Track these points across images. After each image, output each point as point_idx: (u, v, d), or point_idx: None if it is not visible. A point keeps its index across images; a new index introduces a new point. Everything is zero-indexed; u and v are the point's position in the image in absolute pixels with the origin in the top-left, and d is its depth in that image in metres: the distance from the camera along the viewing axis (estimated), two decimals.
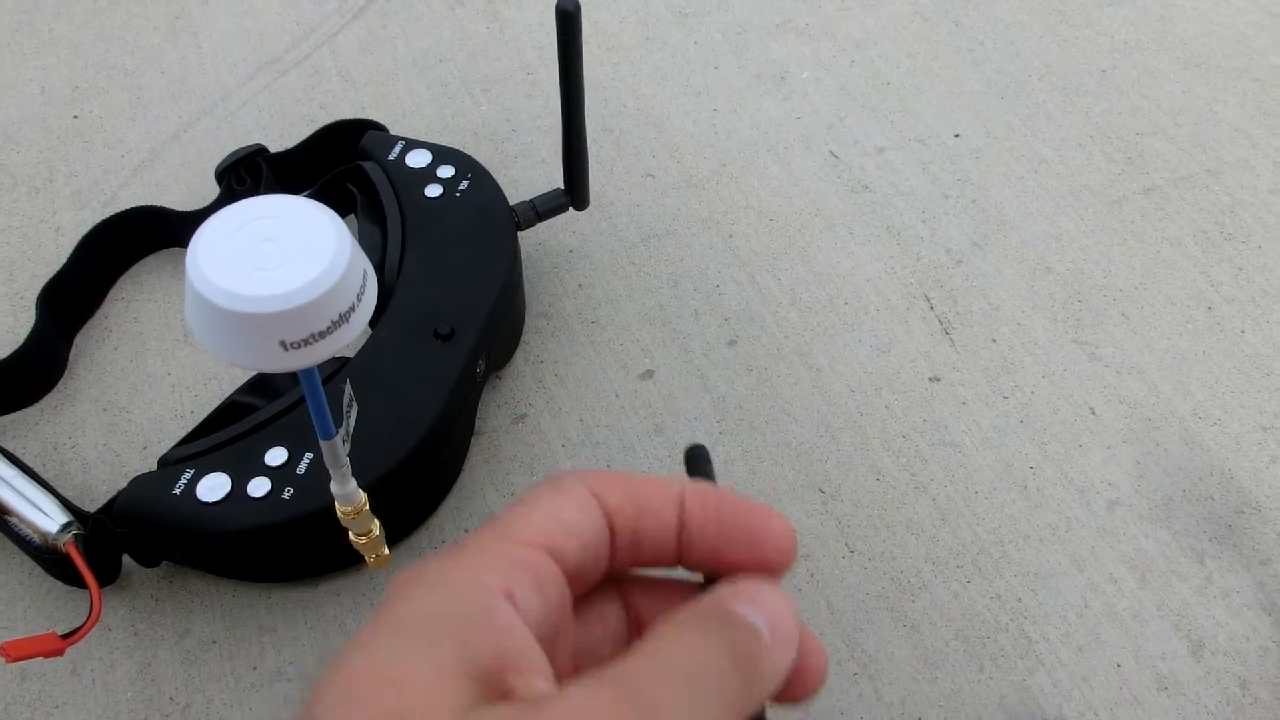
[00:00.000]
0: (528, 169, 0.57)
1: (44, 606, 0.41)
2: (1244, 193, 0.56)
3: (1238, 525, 0.44)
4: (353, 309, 0.26)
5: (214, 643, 0.41)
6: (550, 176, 0.56)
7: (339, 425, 0.31)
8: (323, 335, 0.25)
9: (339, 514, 0.35)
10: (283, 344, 0.25)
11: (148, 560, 0.41)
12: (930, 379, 0.48)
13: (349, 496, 0.34)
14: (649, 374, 0.48)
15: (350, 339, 0.26)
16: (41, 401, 0.47)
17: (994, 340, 0.50)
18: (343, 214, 0.51)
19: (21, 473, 0.41)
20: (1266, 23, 0.64)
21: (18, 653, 0.34)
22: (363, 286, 0.26)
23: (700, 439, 0.46)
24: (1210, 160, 0.57)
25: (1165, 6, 0.65)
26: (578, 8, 0.40)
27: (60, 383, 0.48)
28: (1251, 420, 0.47)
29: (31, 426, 0.46)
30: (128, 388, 0.48)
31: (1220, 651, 0.40)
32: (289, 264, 0.25)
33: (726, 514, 0.21)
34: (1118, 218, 0.55)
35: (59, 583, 0.41)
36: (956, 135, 0.59)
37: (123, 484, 0.40)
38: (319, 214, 0.26)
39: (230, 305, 0.24)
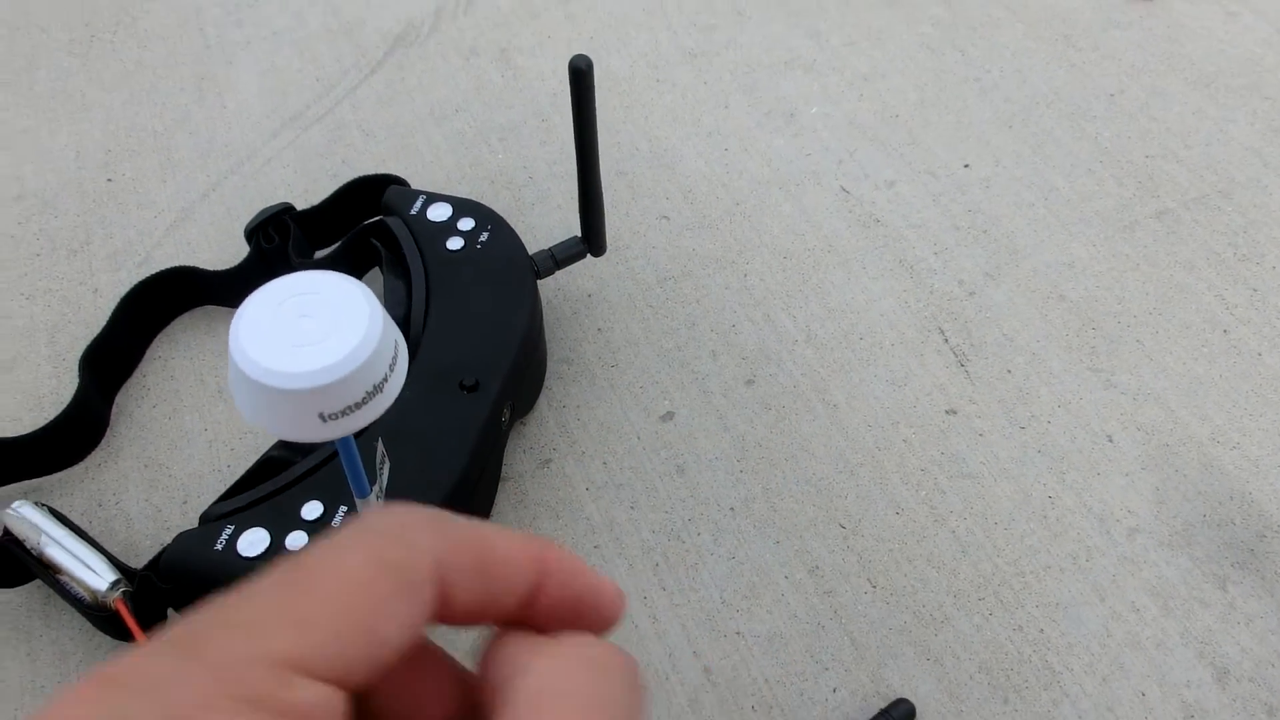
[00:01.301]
0: (545, 215, 0.58)
1: (96, 660, 0.43)
2: (1257, 212, 0.56)
3: (1260, 549, 0.44)
4: (385, 379, 0.27)
5: None
6: (567, 221, 0.57)
7: (373, 483, 0.33)
8: (358, 406, 0.27)
9: None
10: (321, 416, 0.26)
11: None
12: (947, 411, 0.49)
13: None
14: (669, 415, 0.50)
15: (384, 408, 0.28)
16: (86, 460, 0.49)
17: (1009, 371, 0.50)
18: (367, 269, 0.53)
19: (71, 532, 0.42)
20: (1275, 39, 0.65)
21: None
22: (395, 357, 0.28)
23: (721, 478, 0.47)
24: (1222, 181, 0.58)
25: (1172, 28, 0.66)
26: (590, 65, 0.41)
27: (103, 441, 0.49)
28: (1270, 443, 0.47)
29: (77, 484, 0.48)
30: (167, 444, 0.49)
31: (1246, 678, 0.41)
32: (325, 340, 0.26)
33: (576, 582, 0.20)
34: (1130, 243, 0.55)
35: (109, 638, 0.43)
36: (966, 165, 0.60)
37: (165, 538, 0.41)
38: (352, 289, 0.27)
39: (271, 382, 0.25)
